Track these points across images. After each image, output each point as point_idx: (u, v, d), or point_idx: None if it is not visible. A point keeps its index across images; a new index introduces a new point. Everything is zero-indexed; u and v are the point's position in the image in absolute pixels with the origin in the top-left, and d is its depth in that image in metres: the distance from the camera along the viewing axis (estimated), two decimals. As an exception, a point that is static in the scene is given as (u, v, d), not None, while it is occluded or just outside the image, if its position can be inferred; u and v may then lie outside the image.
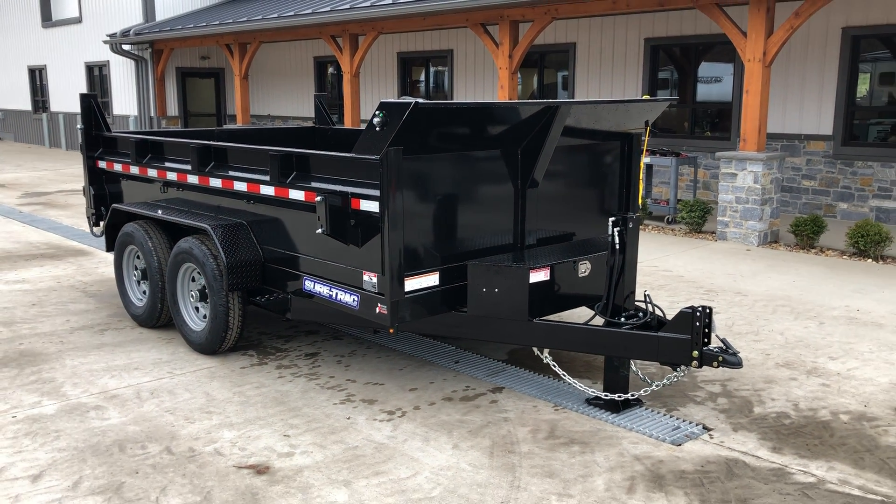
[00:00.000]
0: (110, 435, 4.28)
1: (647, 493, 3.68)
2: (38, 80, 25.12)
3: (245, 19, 16.09)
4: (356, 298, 4.56)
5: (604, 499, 3.62)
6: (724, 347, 4.26)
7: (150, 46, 20.05)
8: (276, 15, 15.40)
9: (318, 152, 4.79)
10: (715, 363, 4.22)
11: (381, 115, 4.17)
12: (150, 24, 19.79)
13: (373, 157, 4.29)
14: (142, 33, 19.05)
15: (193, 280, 5.65)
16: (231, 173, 5.42)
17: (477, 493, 3.67)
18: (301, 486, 3.74)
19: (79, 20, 22.31)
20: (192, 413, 4.57)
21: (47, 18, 23.84)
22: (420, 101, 4.05)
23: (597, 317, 4.78)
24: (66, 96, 23.45)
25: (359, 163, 4.44)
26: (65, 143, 23.69)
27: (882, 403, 4.74)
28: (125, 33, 19.47)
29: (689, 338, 4.25)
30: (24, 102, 25.93)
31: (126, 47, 20.14)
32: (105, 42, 20.13)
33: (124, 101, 21.27)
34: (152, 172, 6.18)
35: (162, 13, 20.33)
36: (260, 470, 3.90)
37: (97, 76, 22.34)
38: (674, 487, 3.73)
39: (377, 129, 4.21)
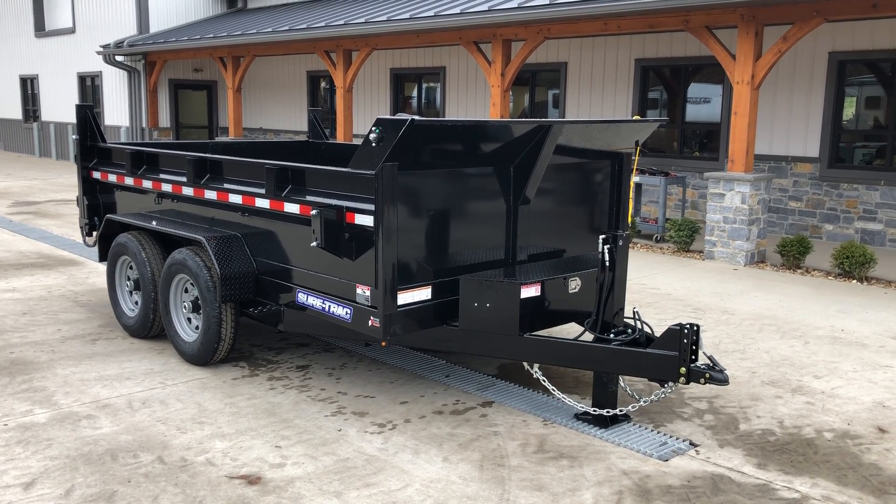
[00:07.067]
0: (102, 444, 4.29)
1: (635, 507, 3.73)
2: (29, 89, 25.10)
3: (239, 33, 16.18)
4: (349, 311, 4.61)
5: (592, 512, 3.67)
6: (711, 364, 4.33)
7: (143, 58, 20.10)
8: (270, 29, 15.50)
9: (313, 166, 4.85)
10: (702, 380, 4.29)
11: (377, 130, 4.24)
12: (144, 35, 19.85)
13: (368, 172, 4.36)
14: (136, 45, 19.10)
15: (186, 291, 5.68)
16: (226, 185, 5.47)
17: (467, 505, 3.71)
18: (292, 496, 3.77)
19: (72, 31, 22.35)
20: (183, 423, 4.59)
21: (40, 28, 23.85)
22: (416, 118, 4.13)
23: (586, 333, 4.84)
24: (58, 106, 23.43)
25: (354, 177, 4.50)
26: (55, 153, 23.65)
27: (865, 422, 4.82)
28: (119, 45, 19.52)
29: (677, 354, 4.31)
30: (14, 111, 25.89)
31: (119, 58, 20.18)
32: (98, 53, 20.17)
33: (116, 111, 21.28)
34: (147, 184, 6.22)
35: (156, 25, 20.40)
36: (251, 480, 3.93)
37: (89, 86, 22.35)
38: (660, 502, 3.78)
39: (373, 144, 4.28)
